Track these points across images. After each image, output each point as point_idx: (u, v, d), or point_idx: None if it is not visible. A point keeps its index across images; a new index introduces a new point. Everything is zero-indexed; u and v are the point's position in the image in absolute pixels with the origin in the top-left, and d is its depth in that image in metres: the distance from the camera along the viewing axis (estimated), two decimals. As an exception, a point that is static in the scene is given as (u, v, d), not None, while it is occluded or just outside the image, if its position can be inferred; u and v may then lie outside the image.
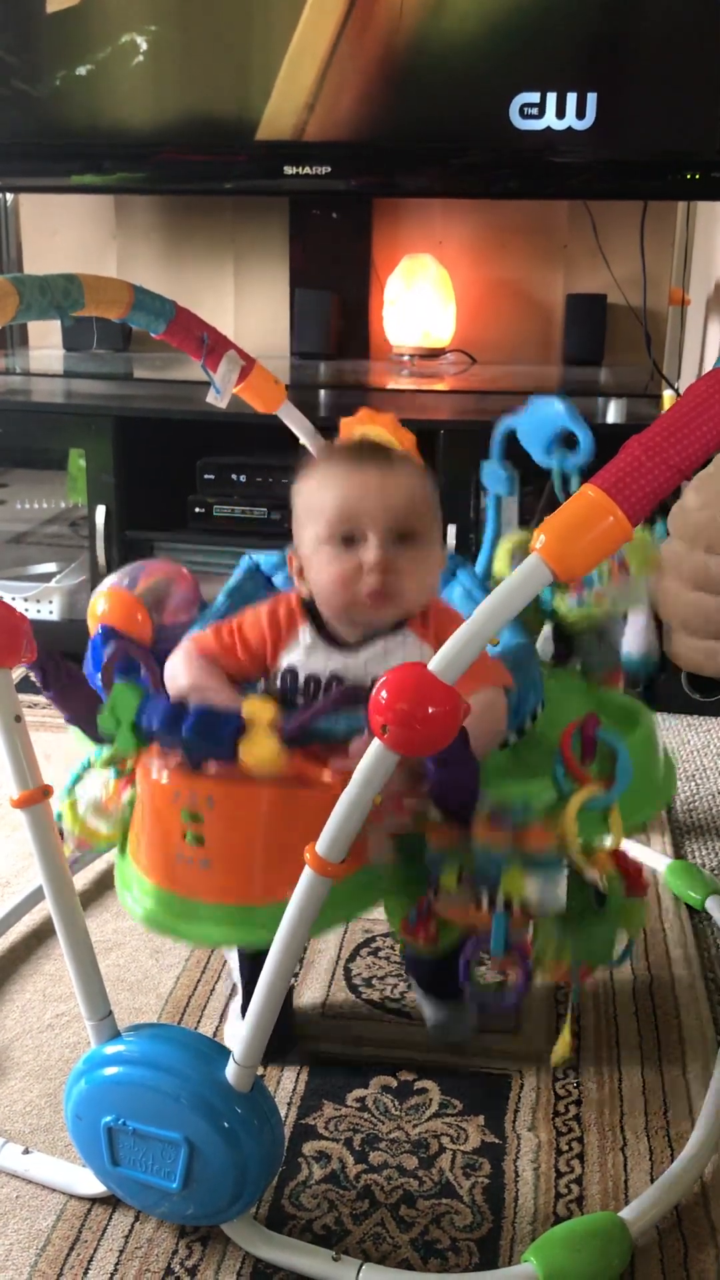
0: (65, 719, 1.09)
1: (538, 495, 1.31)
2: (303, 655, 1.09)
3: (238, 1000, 1.22)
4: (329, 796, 0.87)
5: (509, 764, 1.07)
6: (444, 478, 1.99)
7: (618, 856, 0.97)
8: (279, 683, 1.09)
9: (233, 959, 1.23)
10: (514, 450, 1.30)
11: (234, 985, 1.26)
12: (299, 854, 0.85)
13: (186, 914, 0.97)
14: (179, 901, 0.97)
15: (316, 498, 1.07)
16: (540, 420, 1.21)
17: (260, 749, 0.92)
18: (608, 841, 0.96)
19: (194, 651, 1.10)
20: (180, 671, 1.08)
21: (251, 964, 1.16)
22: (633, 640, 1.24)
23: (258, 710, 0.93)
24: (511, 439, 1.29)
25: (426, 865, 0.95)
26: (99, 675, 1.09)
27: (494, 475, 1.33)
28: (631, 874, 0.97)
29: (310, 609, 1.10)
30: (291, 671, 1.09)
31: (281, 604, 1.12)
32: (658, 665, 1.25)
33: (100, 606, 1.18)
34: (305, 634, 1.09)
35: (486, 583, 1.29)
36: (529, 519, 1.38)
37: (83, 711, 1.05)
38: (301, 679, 1.08)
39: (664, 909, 1.46)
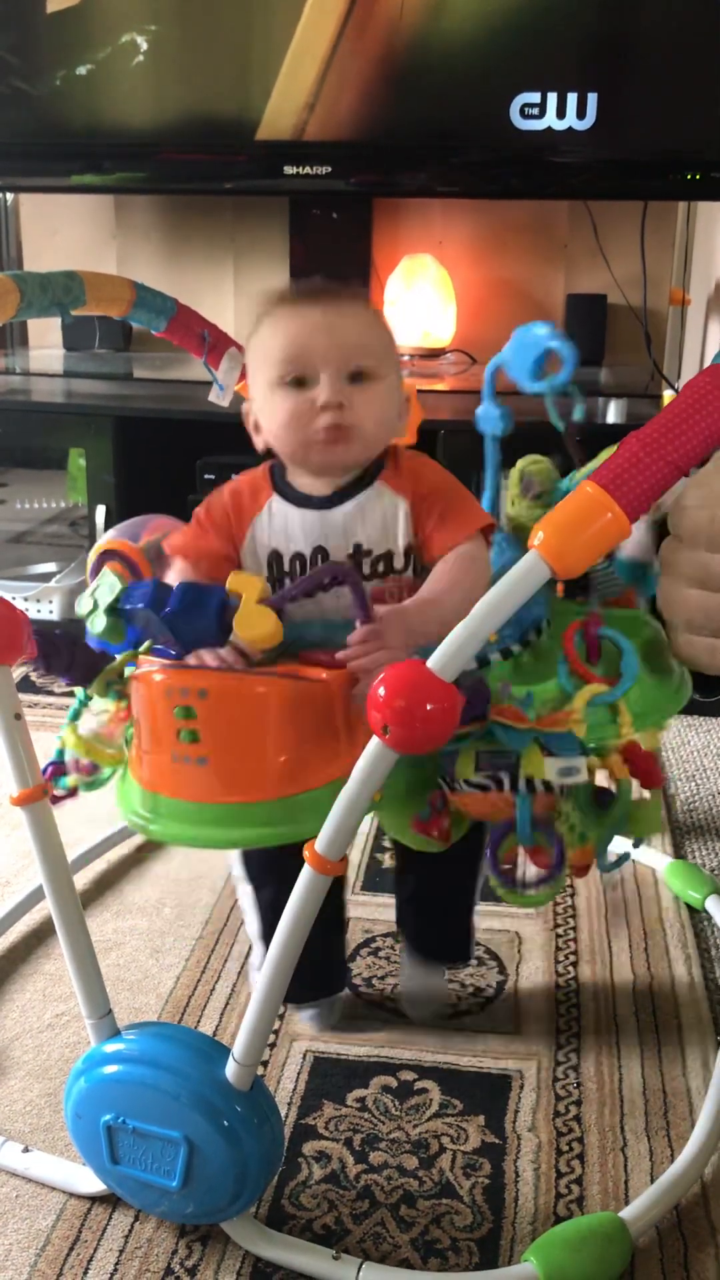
0: (68, 683, 1.07)
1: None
2: (272, 523, 1.06)
3: (257, 951, 1.19)
4: (326, 688, 0.86)
5: (514, 674, 1.06)
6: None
7: (629, 752, 0.96)
8: (266, 564, 1.06)
9: (251, 913, 1.20)
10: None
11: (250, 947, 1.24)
12: (296, 747, 0.84)
13: (190, 818, 0.95)
14: (181, 806, 0.95)
15: (266, 344, 1.05)
16: (523, 346, 1.22)
17: (255, 622, 0.90)
18: (618, 740, 0.95)
19: (178, 567, 1.07)
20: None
21: (271, 910, 1.14)
22: (629, 544, 1.22)
23: (245, 585, 0.91)
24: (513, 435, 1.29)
25: (439, 758, 0.93)
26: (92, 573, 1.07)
27: (487, 416, 1.33)
28: (644, 766, 0.95)
29: (274, 473, 1.08)
30: (276, 554, 1.06)
31: (245, 476, 1.10)
32: (657, 569, 1.23)
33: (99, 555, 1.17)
34: (274, 499, 1.06)
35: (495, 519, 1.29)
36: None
37: (90, 672, 1.03)
38: (286, 560, 1.05)
39: (664, 909, 1.45)
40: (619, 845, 1.00)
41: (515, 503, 1.27)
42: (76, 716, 1.05)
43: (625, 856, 0.97)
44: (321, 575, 0.95)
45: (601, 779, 0.96)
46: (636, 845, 0.98)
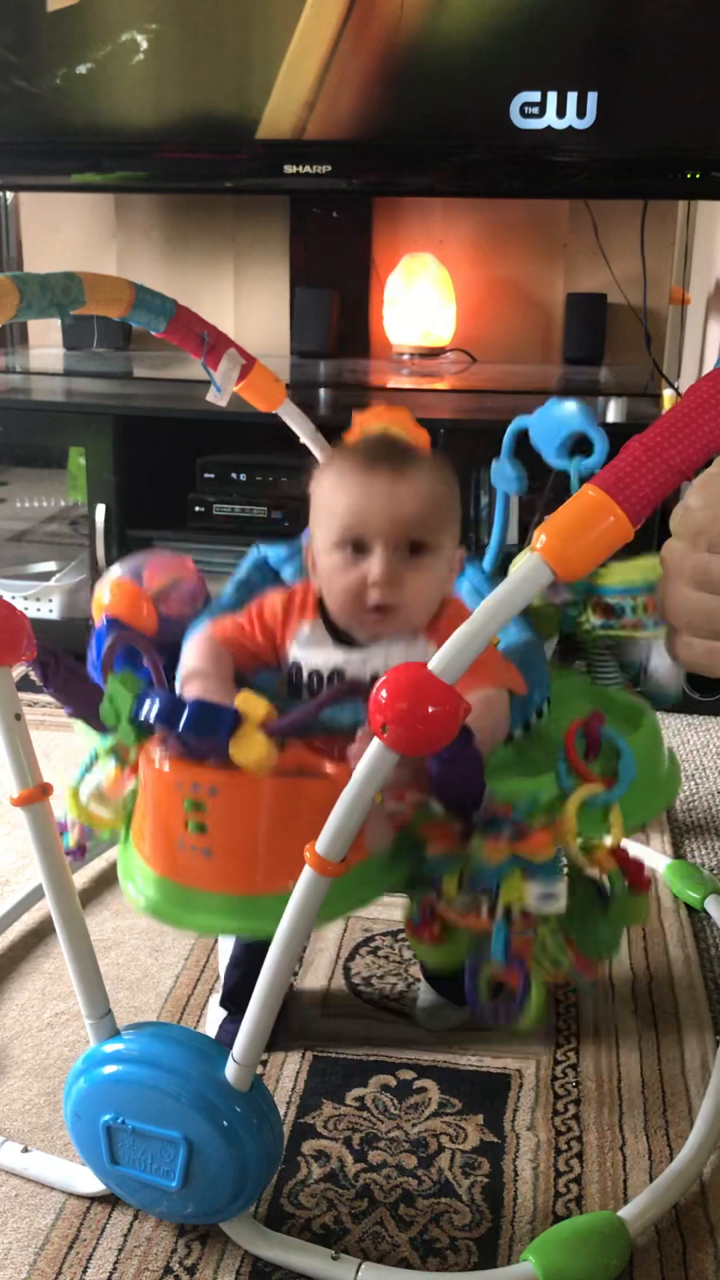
0: (68, 712, 1.09)
1: (540, 492, 1.31)
2: (307, 644, 1.09)
3: (224, 980, 1.22)
4: (332, 786, 0.86)
5: (514, 760, 1.07)
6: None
7: (618, 854, 0.97)
8: (288, 676, 1.09)
9: (225, 949, 1.23)
10: (523, 452, 1.29)
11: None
12: (301, 844, 0.85)
13: (188, 903, 0.96)
14: (181, 891, 0.96)
15: (328, 499, 1.07)
16: (554, 422, 1.21)
17: (249, 748, 0.92)
18: (608, 840, 0.96)
19: (208, 636, 1.10)
20: (190, 654, 1.08)
21: (249, 959, 1.16)
22: (662, 673, 1.24)
23: (249, 707, 0.92)
24: (522, 440, 1.29)
25: (429, 870, 0.95)
26: (100, 666, 1.08)
27: (503, 474, 1.33)
28: (633, 871, 0.97)
29: (322, 599, 1.10)
30: (296, 665, 1.09)
31: (299, 591, 1.12)
32: (681, 698, 1.25)
33: (105, 597, 1.18)
34: (306, 625, 1.09)
35: (495, 580, 1.29)
36: (530, 517, 1.37)
37: (86, 705, 1.04)
38: (305, 673, 1.08)
39: (663, 908, 1.46)
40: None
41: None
42: (86, 774, 1.05)
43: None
44: (331, 696, 0.97)
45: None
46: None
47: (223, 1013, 1.20)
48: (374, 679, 1.03)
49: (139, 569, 1.22)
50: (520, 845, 0.91)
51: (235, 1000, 1.16)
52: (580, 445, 1.20)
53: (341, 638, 1.09)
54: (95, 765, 1.04)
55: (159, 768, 0.96)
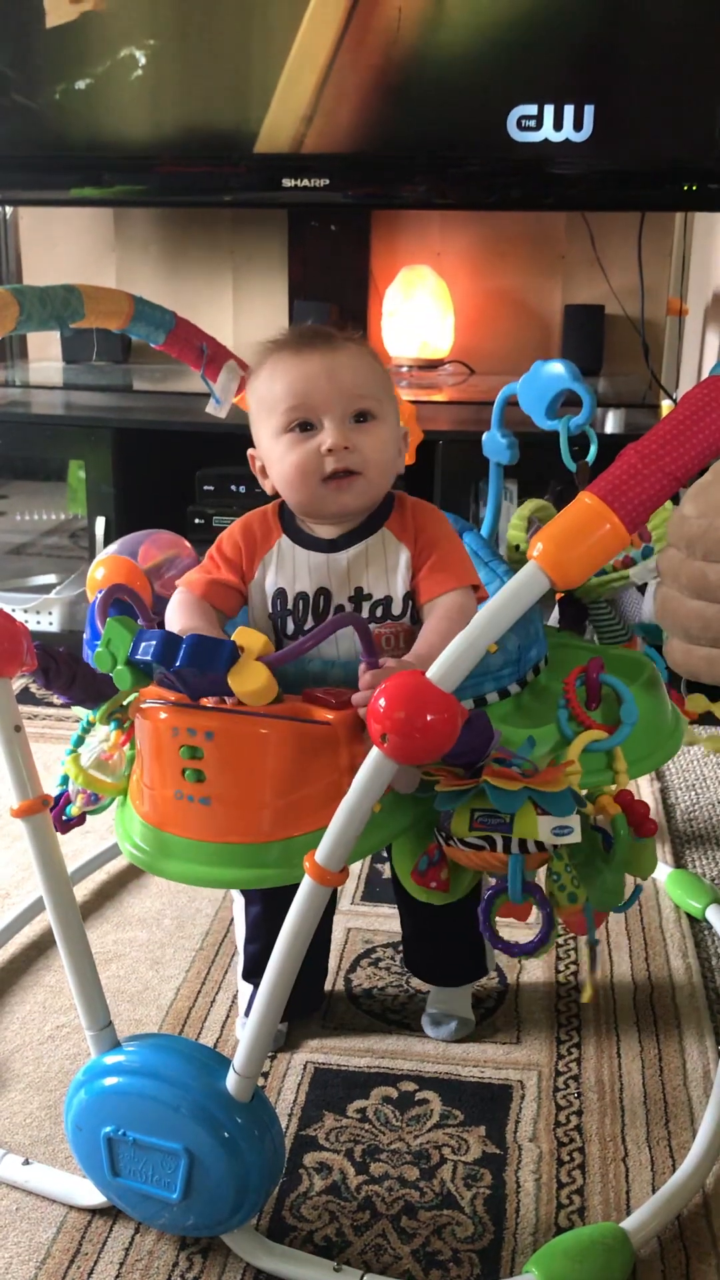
0: (68, 701, 1.08)
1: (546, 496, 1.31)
2: (279, 563, 1.07)
3: (241, 958, 1.21)
4: (331, 731, 0.86)
5: (514, 714, 1.07)
6: (442, 487, 2.02)
7: (623, 798, 0.96)
8: (270, 603, 1.07)
9: (239, 919, 1.21)
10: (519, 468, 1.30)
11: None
12: (301, 790, 0.84)
13: (187, 855, 0.95)
14: (180, 844, 0.96)
15: (268, 390, 1.06)
16: (541, 383, 1.21)
17: (250, 677, 0.90)
18: (613, 786, 0.96)
19: (186, 595, 1.08)
20: (172, 617, 1.07)
21: (266, 930, 1.15)
22: (651, 606, 1.23)
23: (248, 639, 0.91)
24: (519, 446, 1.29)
25: (435, 811, 0.94)
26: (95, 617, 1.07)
27: (494, 444, 1.33)
28: (639, 814, 0.96)
29: (284, 513, 1.09)
30: (280, 593, 1.07)
31: (257, 513, 1.11)
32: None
33: (99, 574, 1.17)
34: (283, 540, 1.08)
35: (493, 546, 1.28)
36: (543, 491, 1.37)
37: (90, 692, 1.04)
38: (290, 599, 1.07)
39: (664, 918, 1.45)
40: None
41: (521, 547, 1.27)
42: (79, 744, 1.05)
43: (637, 891, 0.98)
44: (332, 626, 0.97)
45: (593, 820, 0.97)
46: (638, 891, 0.99)
47: (249, 986, 1.19)
48: (358, 592, 1.04)
49: (134, 547, 1.21)
50: (532, 779, 0.90)
51: (258, 968, 1.16)
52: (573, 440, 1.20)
53: (312, 544, 1.07)
54: (89, 733, 1.04)
55: (155, 714, 0.95)
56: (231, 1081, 0.91)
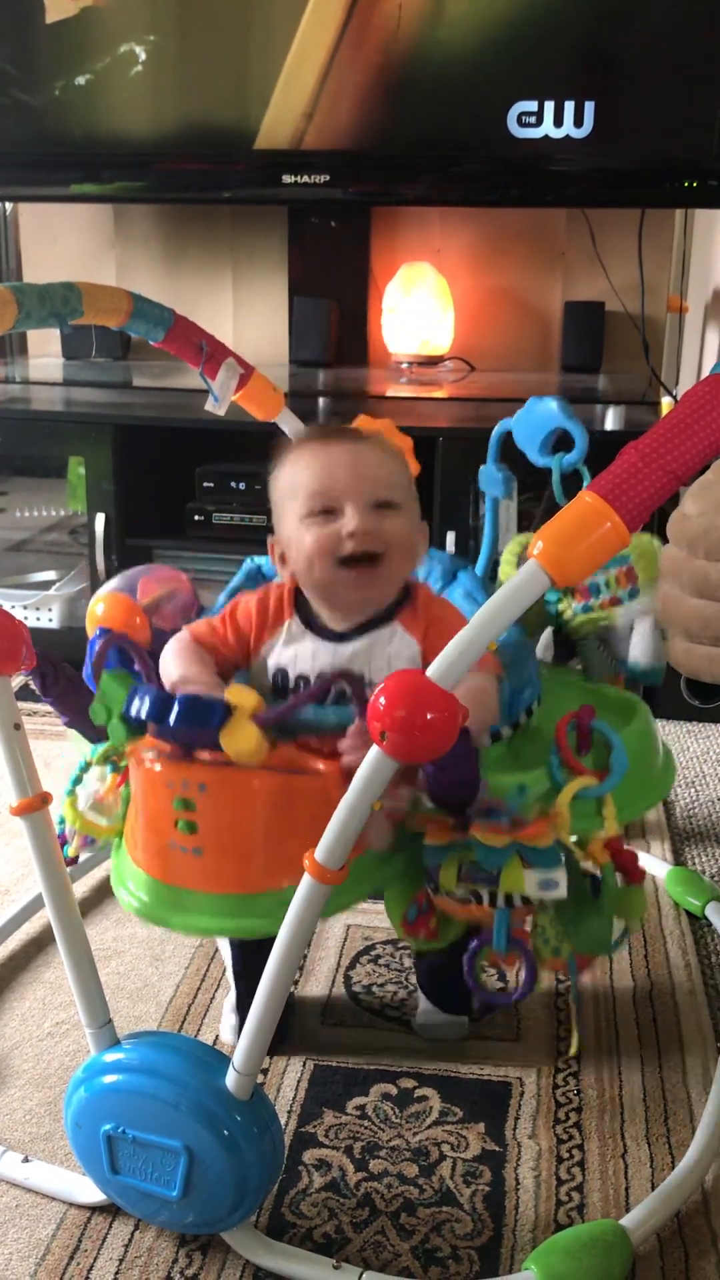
0: (64, 722, 1.09)
1: (538, 501, 1.31)
2: (286, 644, 1.08)
3: (232, 995, 1.23)
4: (322, 783, 0.86)
5: (505, 757, 1.07)
6: (442, 484, 2.02)
7: (612, 846, 0.97)
8: (271, 681, 1.09)
9: (225, 952, 1.23)
10: (510, 454, 1.29)
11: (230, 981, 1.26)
12: (292, 841, 0.85)
13: (180, 905, 0.96)
14: (173, 892, 0.96)
15: (292, 480, 1.08)
16: (535, 420, 1.21)
17: (241, 738, 0.91)
18: (601, 832, 0.96)
19: (186, 641, 1.10)
20: (171, 661, 1.08)
21: (245, 956, 1.16)
22: (640, 648, 1.24)
23: (240, 698, 0.92)
24: (508, 443, 1.29)
25: (425, 862, 0.95)
26: (91, 667, 1.08)
27: (490, 478, 1.33)
28: (627, 862, 0.97)
29: (299, 598, 1.10)
30: (281, 671, 1.08)
31: (273, 591, 1.12)
32: (664, 673, 1.25)
33: (99, 610, 1.18)
34: (293, 622, 1.09)
35: (487, 584, 1.29)
36: (529, 524, 1.37)
37: (83, 714, 1.05)
38: (291, 679, 1.08)
39: (664, 915, 1.45)
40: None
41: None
42: (77, 783, 1.05)
43: (625, 934, 0.99)
44: (320, 688, 0.98)
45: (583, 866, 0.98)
46: (625, 934, 1.00)
47: (235, 1019, 1.20)
48: (360, 678, 1.04)
49: (133, 583, 1.22)
50: (519, 833, 0.91)
51: (244, 1010, 1.16)
52: (563, 444, 1.20)
53: (322, 632, 1.08)
54: (86, 774, 1.04)
55: (149, 767, 0.96)
56: (231, 1079, 0.91)
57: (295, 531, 1.07)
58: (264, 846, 0.94)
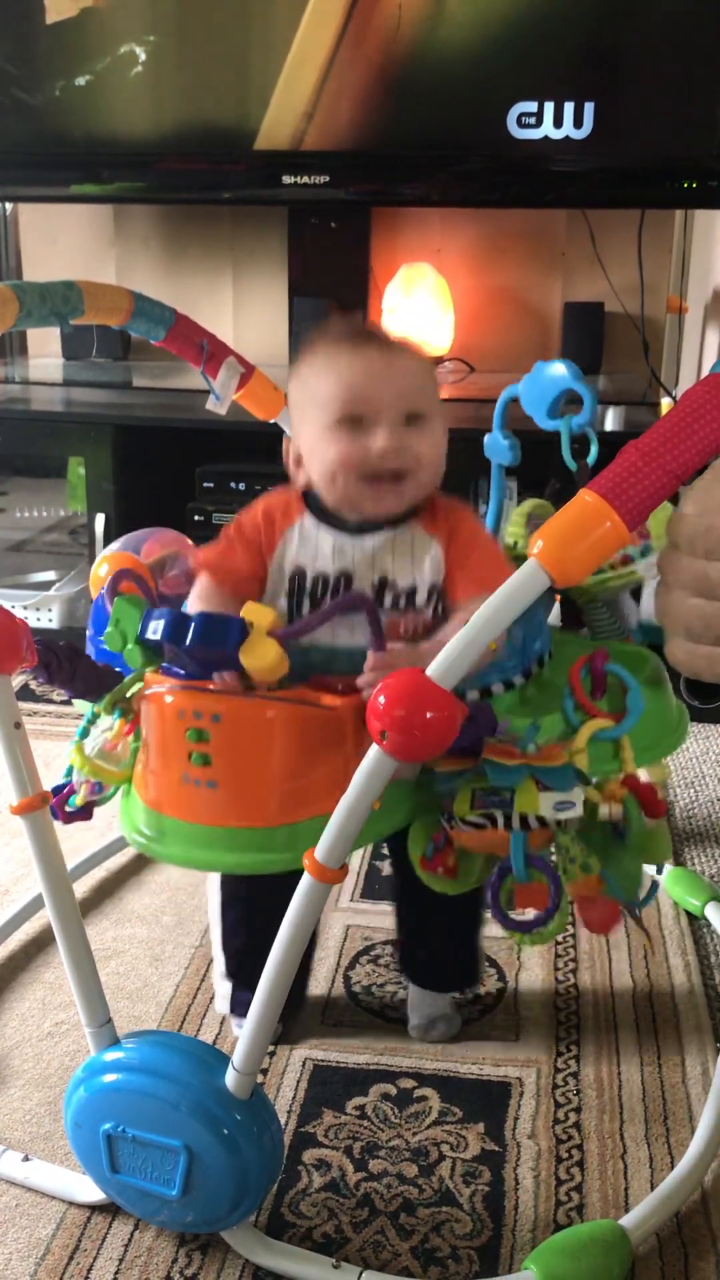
0: (71, 694, 1.07)
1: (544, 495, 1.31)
2: (302, 542, 1.05)
3: (220, 963, 1.20)
4: (338, 715, 0.86)
5: (518, 705, 1.07)
6: (442, 484, 2.02)
7: (629, 783, 0.96)
8: (289, 582, 1.05)
9: (214, 911, 1.20)
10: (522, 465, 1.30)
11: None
12: (309, 774, 0.84)
13: (195, 840, 0.95)
14: (186, 828, 0.95)
15: (319, 384, 1.04)
16: (543, 384, 1.21)
17: (261, 653, 0.90)
18: (618, 774, 0.96)
19: (205, 585, 1.07)
20: (194, 608, 1.05)
21: (249, 919, 1.14)
22: (651, 604, 1.23)
23: (256, 615, 0.91)
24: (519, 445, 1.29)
25: (437, 796, 0.94)
26: (105, 594, 1.07)
27: (496, 446, 1.33)
28: (646, 797, 0.96)
29: (309, 496, 1.07)
30: (299, 572, 1.05)
31: (278, 494, 1.09)
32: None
33: (103, 571, 1.17)
34: (306, 519, 1.06)
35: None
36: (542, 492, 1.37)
37: (92, 685, 1.04)
38: (309, 579, 1.05)
39: (663, 915, 1.45)
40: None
41: (519, 543, 1.27)
42: (84, 735, 1.05)
43: (655, 887, 0.98)
44: (336, 608, 0.96)
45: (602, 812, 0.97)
46: (659, 872, 0.99)
47: (228, 985, 1.19)
48: (382, 581, 1.02)
49: (137, 544, 1.21)
50: (533, 758, 0.90)
51: (242, 966, 1.14)
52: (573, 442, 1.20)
53: (338, 526, 1.05)
54: (94, 724, 1.04)
55: (161, 698, 0.94)
56: (231, 1078, 0.91)
57: (317, 439, 1.03)
58: (280, 779, 0.92)
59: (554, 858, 0.94)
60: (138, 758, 1.02)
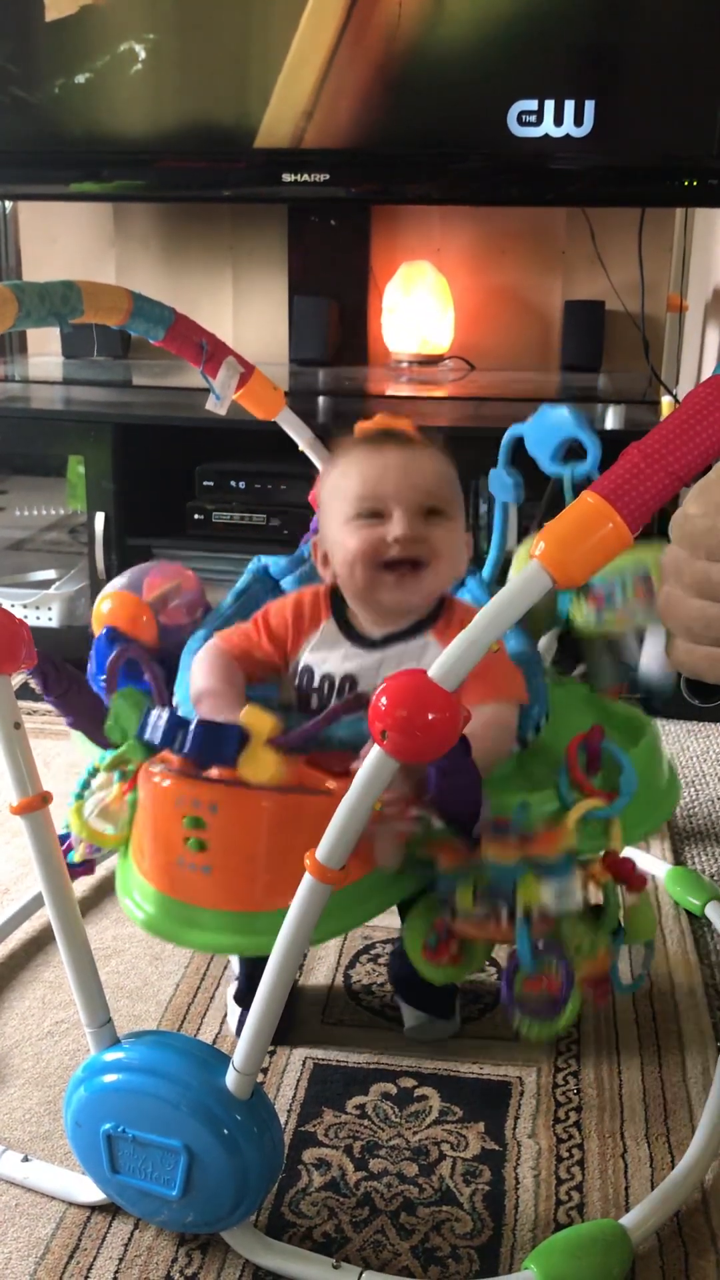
0: (68, 722, 1.08)
1: (539, 500, 1.31)
2: (319, 647, 1.08)
3: (234, 987, 1.23)
4: (334, 803, 0.86)
5: (513, 775, 1.07)
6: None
7: (609, 861, 0.97)
8: (295, 680, 1.08)
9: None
10: (520, 459, 1.29)
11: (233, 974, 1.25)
12: (298, 859, 0.85)
13: (188, 920, 0.96)
14: (180, 908, 0.97)
15: (340, 482, 1.07)
16: (548, 428, 1.21)
17: (259, 766, 0.91)
18: (602, 853, 0.96)
19: (215, 650, 1.09)
20: (198, 671, 1.08)
21: (253, 963, 1.16)
22: (652, 658, 1.23)
23: (256, 723, 0.92)
24: (518, 449, 1.29)
25: (439, 887, 0.95)
26: (102, 678, 1.08)
27: (500, 482, 1.33)
28: (626, 871, 0.97)
29: (336, 600, 1.10)
30: (308, 670, 1.08)
31: (309, 593, 1.12)
32: (674, 685, 1.25)
33: (105, 608, 1.18)
34: (329, 625, 1.09)
35: (494, 590, 1.29)
36: (529, 526, 1.37)
37: (85, 715, 1.04)
38: (317, 678, 1.08)
39: (664, 915, 1.45)
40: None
41: None
42: (83, 791, 1.05)
43: (641, 978, 0.99)
44: (338, 711, 0.97)
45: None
46: (648, 960, 1.00)
47: (240, 1010, 1.21)
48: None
49: (138, 580, 1.22)
50: (529, 847, 0.91)
51: (251, 991, 1.16)
52: (575, 454, 1.20)
53: (356, 638, 1.08)
54: (94, 780, 1.04)
55: (158, 784, 0.96)
56: (231, 1078, 0.91)
57: (340, 533, 1.06)
58: (274, 866, 0.94)
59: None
60: (134, 823, 1.02)
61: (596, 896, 0.97)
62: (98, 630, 1.15)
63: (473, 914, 0.93)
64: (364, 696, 0.98)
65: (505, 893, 0.92)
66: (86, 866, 1.08)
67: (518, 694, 1.06)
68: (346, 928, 0.98)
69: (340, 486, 1.08)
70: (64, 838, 1.06)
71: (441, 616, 1.09)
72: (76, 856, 1.06)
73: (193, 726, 0.93)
